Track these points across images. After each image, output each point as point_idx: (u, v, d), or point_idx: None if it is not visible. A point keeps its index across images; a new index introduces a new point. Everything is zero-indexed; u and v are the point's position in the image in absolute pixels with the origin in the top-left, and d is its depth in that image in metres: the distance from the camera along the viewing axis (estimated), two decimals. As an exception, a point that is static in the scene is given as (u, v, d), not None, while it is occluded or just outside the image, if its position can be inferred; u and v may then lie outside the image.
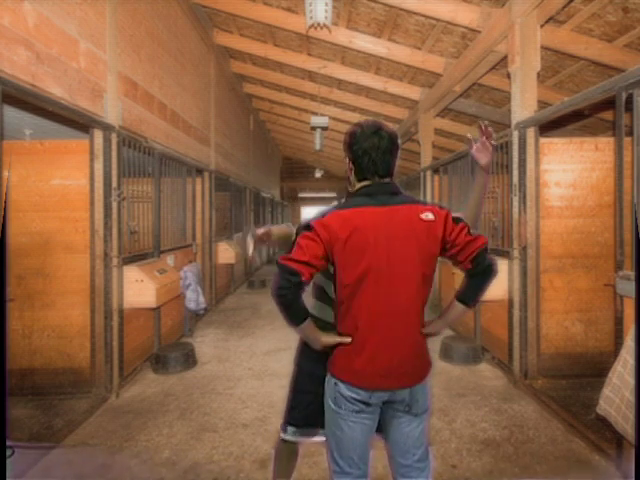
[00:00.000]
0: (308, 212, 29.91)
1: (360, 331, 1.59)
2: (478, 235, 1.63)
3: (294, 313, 1.57)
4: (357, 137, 1.64)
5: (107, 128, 3.71)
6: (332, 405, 1.66)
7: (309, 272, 1.52)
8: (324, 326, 1.78)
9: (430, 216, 1.59)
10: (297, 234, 1.74)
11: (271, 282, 1.56)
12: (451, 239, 1.60)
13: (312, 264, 1.53)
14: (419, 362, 1.66)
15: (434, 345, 4.71)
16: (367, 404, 1.62)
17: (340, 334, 1.66)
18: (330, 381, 1.68)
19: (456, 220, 1.63)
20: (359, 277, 1.56)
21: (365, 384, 1.60)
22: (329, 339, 1.66)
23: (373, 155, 1.62)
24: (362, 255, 1.54)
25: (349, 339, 1.61)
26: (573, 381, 3.89)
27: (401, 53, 6.04)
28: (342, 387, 1.62)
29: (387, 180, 1.67)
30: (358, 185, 1.68)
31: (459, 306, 1.70)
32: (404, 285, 1.58)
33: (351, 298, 1.59)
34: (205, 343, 5.34)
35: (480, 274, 1.62)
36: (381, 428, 1.75)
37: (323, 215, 1.59)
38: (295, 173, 25.70)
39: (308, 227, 1.58)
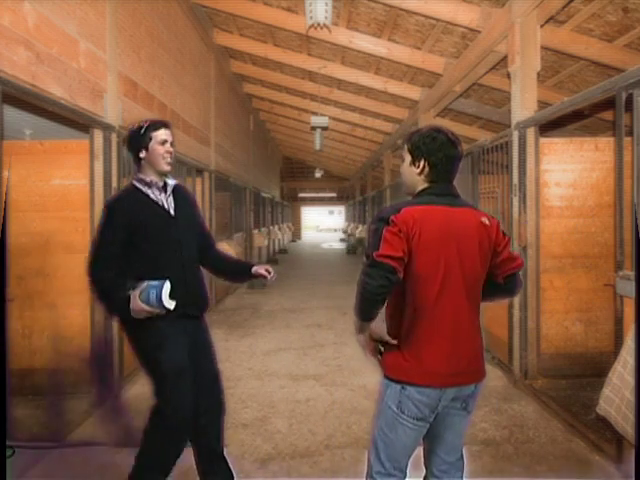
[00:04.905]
0: (308, 211, 29.90)
1: (438, 330, 1.58)
2: (517, 254, 1.72)
3: (376, 309, 1.57)
4: (443, 144, 1.64)
5: (107, 128, 3.71)
6: (394, 408, 1.62)
7: (402, 268, 1.50)
8: None
9: (487, 222, 1.65)
10: (374, 229, 1.58)
11: (361, 279, 1.49)
12: (499, 249, 1.66)
13: (404, 259, 1.51)
14: (482, 357, 1.69)
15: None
16: (433, 409, 1.60)
17: (393, 335, 1.62)
18: (394, 387, 1.62)
19: (504, 232, 1.71)
20: (434, 273, 1.56)
21: (438, 383, 1.58)
22: (382, 334, 1.63)
23: (455, 164, 1.68)
24: (437, 251, 1.56)
25: (395, 341, 1.61)
26: (573, 381, 3.88)
27: (401, 53, 6.04)
28: (412, 391, 1.58)
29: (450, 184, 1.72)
30: (425, 185, 1.68)
31: None
32: (471, 282, 1.62)
33: (430, 294, 1.57)
34: (205, 343, 5.33)
35: (506, 291, 1.73)
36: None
37: (397, 210, 1.56)
38: (295, 173, 25.71)
39: (388, 221, 1.53)
